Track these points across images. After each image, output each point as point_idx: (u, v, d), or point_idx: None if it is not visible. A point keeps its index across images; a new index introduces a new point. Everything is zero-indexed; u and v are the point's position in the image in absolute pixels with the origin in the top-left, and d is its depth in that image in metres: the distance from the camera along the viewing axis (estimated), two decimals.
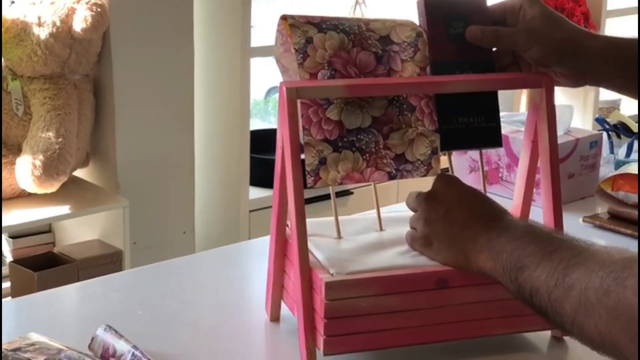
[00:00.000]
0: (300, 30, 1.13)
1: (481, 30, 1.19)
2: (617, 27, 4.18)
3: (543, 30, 1.17)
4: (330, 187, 1.15)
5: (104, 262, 2.53)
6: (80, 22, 2.43)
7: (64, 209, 2.48)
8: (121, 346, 1.07)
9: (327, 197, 2.56)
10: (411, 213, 1.18)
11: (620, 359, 0.81)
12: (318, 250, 1.12)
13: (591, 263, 0.86)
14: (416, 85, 1.16)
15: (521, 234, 1.01)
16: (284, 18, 1.14)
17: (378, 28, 1.17)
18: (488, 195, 1.16)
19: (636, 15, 4.26)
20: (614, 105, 3.95)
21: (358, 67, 1.15)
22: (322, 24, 1.15)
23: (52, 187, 2.43)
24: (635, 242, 1.53)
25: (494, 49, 1.22)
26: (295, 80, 1.13)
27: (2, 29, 2.47)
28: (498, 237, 1.03)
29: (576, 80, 1.22)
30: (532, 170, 1.25)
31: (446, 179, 1.15)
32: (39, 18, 2.47)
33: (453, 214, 1.10)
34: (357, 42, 1.15)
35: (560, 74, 1.22)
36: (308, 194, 1.09)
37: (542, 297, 0.92)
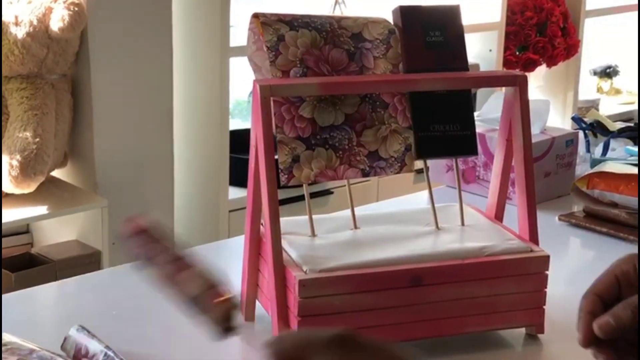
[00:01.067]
0: (272, 28, 1.13)
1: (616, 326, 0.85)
2: (595, 27, 4.20)
3: None
4: (304, 184, 1.15)
5: (83, 262, 2.52)
6: (57, 22, 2.42)
7: (42, 210, 2.46)
8: (94, 346, 1.07)
9: (303, 197, 2.56)
10: (388, 211, 1.17)
11: None
12: (292, 248, 1.12)
13: None
14: (390, 83, 1.16)
15: None
16: (255, 16, 1.14)
17: (350, 25, 1.17)
18: (463, 194, 1.15)
19: (615, 15, 4.28)
20: (593, 105, 3.96)
21: (330, 65, 1.15)
22: (293, 22, 1.14)
23: (29, 188, 2.42)
24: (610, 241, 1.54)
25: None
26: (268, 78, 1.13)
27: None
28: None
29: None
30: (506, 168, 1.25)
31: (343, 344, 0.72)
32: (16, 17, 2.45)
33: None
34: (329, 39, 1.15)
35: None
36: (284, 194, 1.09)
37: None
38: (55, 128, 2.52)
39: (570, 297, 1.30)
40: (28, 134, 2.42)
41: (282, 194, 1.09)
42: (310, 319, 1.06)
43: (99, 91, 2.61)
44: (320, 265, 1.08)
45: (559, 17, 3.68)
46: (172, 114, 2.81)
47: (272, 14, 1.14)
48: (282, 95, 1.11)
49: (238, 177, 2.99)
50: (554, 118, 2.78)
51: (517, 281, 1.15)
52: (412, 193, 1.92)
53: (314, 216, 1.19)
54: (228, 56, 2.86)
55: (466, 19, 1.27)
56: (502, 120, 1.23)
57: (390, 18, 1.23)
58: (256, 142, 1.10)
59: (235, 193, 3.00)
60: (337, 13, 3.43)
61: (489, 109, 1.72)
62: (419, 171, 3.34)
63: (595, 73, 4.42)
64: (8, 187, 2.38)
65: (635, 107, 4.27)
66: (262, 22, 1.13)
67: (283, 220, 1.09)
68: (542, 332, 1.19)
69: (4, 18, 2.47)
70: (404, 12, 1.21)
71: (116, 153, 2.70)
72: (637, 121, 2.07)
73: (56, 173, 2.67)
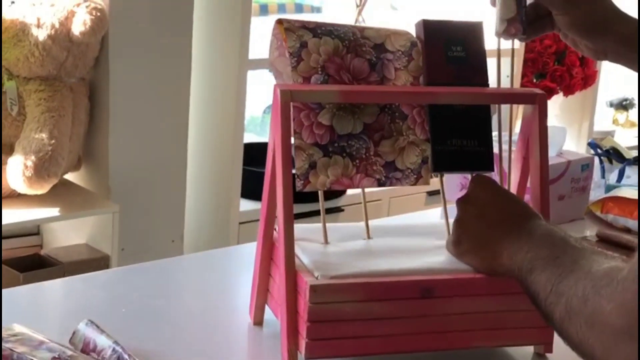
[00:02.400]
0: (295, 35, 1.13)
1: None
2: None
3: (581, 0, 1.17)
4: (319, 191, 1.15)
5: (91, 266, 2.52)
6: (79, 26, 2.43)
7: (53, 212, 2.47)
8: (102, 341, 1.07)
9: (316, 213, 2.56)
10: (402, 224, 1.18)
11: None
12: (304, 254, 1.12)
13: (581, 272, 0.86)
14: (409, 95, 1.17)
15: (539, 237, 1.01)
16: (279, 22, 1.15)
17: (373, 36, 1.18)
18: None
19: None
20: (609, 135, 3.96)
21: (351, 73, 1.15)
22: (317, 29, 1.15)
23: (42, 189, 2.43)
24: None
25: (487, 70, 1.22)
26: (289, 83, 1.14)
27: (2, 29, 2.47)
28: (519, 238, 1.03)
29: (597, 55, 1.22)
30: (522, 186, 1.25)
31: (480, 181, 1.15)
32: (38, 19, 2.47)
33: (484, 215, 1.10)
34: (351, 48, 1.16)
35: (584, 44, 1.22)
36: (297, 209, 1.09)
37: (541, 302, 0.93)
38: (71, 131, 2.53)
39: None
40: (44, 135, 2.44)
41: (294, 208, 1.09)
42: (319, 325, 1.06)
43: (116, 97, 2.63)
44: (332, 271, 1.08)
45: None
46: (188, 123, 2.82)
47: (296, 21, 1.14)
48: (302, 101, 1.12)
49: (250, 189, 3.00)
50: (569, 146, 2.78)
51: (528, 298, 1.15)
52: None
53: (327, 224, 1.19)
54: (246, 67, 2.88)
55: (486, 44, 1.28)
56: (520, 138, 1.23)
57: (412, 32, 1.24)
58: (274, 146, 1.10)
59: (246, 205, 3.01)
60: None
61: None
62: (431, 193, 3.37)
63: (611, 105, 4.43)
64: (21, 187, 2.39)
65: None
66: (285, 28, 1.13)
67: (296, 226, 1.09)
68: (551, 352, 1.19)
69: (26, 20, 2.49)
70: (427, 26, 1.22)
71: (130, 159, 2.71)
72: None
73: (69, 176, 2.68)
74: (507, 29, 1.20)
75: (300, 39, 1.13)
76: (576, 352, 0.85)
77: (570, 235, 1.00)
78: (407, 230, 1.26)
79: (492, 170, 1.26)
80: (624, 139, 4.22)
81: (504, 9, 1.20)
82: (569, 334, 0.85)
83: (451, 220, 1.19)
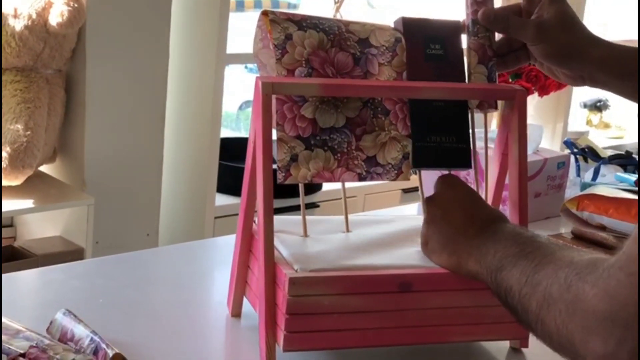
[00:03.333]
0: (280, 27, 1.13)
1: (494, 14, 1.21)
2: None
3: (552, 29, 1.19)
4: (299, 184, 1.15)
5: (65, 259, 2.51)
6: (56, 17, 2.42)
7: (28, 203, 2.46)
8: (80, 331, 1.06)
9: (293, 208, 2.56)
10: (380, 218, 1.18)
11: (575, 357, 0.80)
12: (283, 246, 1.12)
13: (561, 261, 0.86)
14: (391, 89, 1.17)
15: (506, 238, 1.01)
16: (264, 13, 1.15)
17: (358, 30, 1.18)
18: None
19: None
20: (583, 135, 3.99)
21: (335, 67, 1.15)
22: (302, 22, 1.15)
23: (17, 180, 2.42)
24: None
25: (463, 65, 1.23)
26: (272, 76, 1.14)
27: None
28: (486, 241, 1.03)
29: (575, 82, 1.25)
30: (500, 182, 1.26)
31: (446, 181, 1.16)
32: (15, 10, 2.46)
33: (449, 216, 1.11)
34: (336, 42, 1.16)
35: (561, 72, 1.24)
36: (275, 204, 1.09)
37: (514, 295, 0.92)
38: (46, 123, 2.52)
39: None
40: (19, 126, 2.42)
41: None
42: (298, 317, 1.06)
43: (92, 89, 2.62)
44: (311, 264, 1.09)
45: None
46: (164, 117, 2.81)
47: (281, 13, 1.14)
48: (284, 93, 1.12)
49: (225, 184, 2.99)
50: (543, 142, 2.79)
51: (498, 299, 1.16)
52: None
53: (307, 217, 1.19)
54: (224, 62, 2.87)
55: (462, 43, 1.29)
56: (499, 134, 1.24)
57: None
58: (255, 137, 1.10)
59: (222, 200, 3.00)
60: None
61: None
62: (406, 190, 3.37)
63: (585, 106, 4.46)
64: None
65: (623, 142, 4.31)
66: (270, 19, 1.13)
67: (276, 218, 1.09)
68: (527, 347, 1.20)
69: (3, 10, 2.47)
70: (406, 24, 1.22)
71: (106, 152, 2.70)
72: (626, 151, 2.08)
73: (44, 168, 2.67)
74: (480, 104, 1.23)
75: (285, 31, 1.13)
76: (550, 343, 0.84)
77: (539, 235, 1.00)
78: (386, 224, 1.26)
79: (470, 167, 1.27)
80: (597, 140, 4.25)
81: (475, 83, 1.22)
82: (545, 323, 0.84)
83: None
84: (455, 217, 1.11)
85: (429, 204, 1.14)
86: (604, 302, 0.75)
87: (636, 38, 3.74)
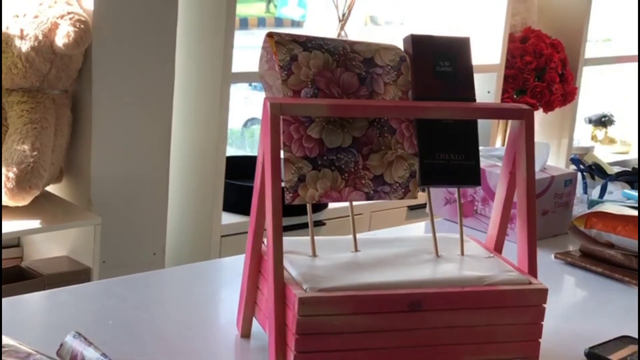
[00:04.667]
0: (285, 48, 1.14)
1: None
2: (593, 76, 4.24)
3: None
4: (307, 204, 1.15)
5: (72, 279, 2.51)
6: (62, 38, 2.43)
7: (35, 223, 2.45)
8: (90, 353, 1.06)
9: (302, 226, 2.56)
10: (389, 237, 1.18)
11: None
12: (292, 267, 1.12)
13: None
14: (398, 109, 1.17)
15: None
16: (270, 35, 1.15)
17: (362, 50, 1.18)
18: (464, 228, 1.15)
19: (612, 65, 4.33)
20: (588, 152, 3.99)
21: (341, 87, 1.16)
22: (307, 43, 1.16)
23: (24, 201, 2.42)
24: (604, 281, 1.55)
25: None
26: (279, 96, 1.14)
27: None
28: None
29: None
30: (508, 201, 1.26)
31: None
32: (22, 31, 2.46)
33: None
34: (341, 62, 1.16)
35: None
36: (283, 222, 1.09)
37: None
38: (53, 143, 2.52)
39: (563, 334, 1.31)
40: (26, 147, 2.42)
41: None
42: (308, 337, 1.06)
43: (99, 109, 2.62)
44: (321, 284, 1.09)
45: (557, 64, 3.72)
46: (170, 136, 2.81)
47: (286, 34, 1.15)
48: (292, 114, 1.12)
49: (231, 202, 2.99)
50: (549, 162, 2.79)
51: (514, 312, 1.16)
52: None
53: (315, 237, 1.19)
54: (229, 81, 2.87)
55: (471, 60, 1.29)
56: (506, 153, 1.24)
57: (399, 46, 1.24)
58: (263, 158, 1.10)
59: (228, 219, 3.00)
60: None
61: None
62: (412, 207, 3.37)
63: (590, 121, 4.46)
64: (2, 199, 2.38)
65: (629, 157, 4.31)
66: (276, 41, 1.14)
67: (284, 239, 1.10)
68: None
69: (9, 31, 2.48)
70: (415, 41, 1.23)
71: (112, 171, 2.70)
72: (633, 168, 2.08)
73: (51, 188, 2.67)
74: None
75: (291, 52, 1.14)
76: None
77: None
78: (394, 243, 1.27)
79: (479, 184, 1.27)
80: (603, 156, 4.25)
81: None
82: None
83: (437, 235, 1.20)
84: None
85: None
86: None
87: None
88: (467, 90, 1.23)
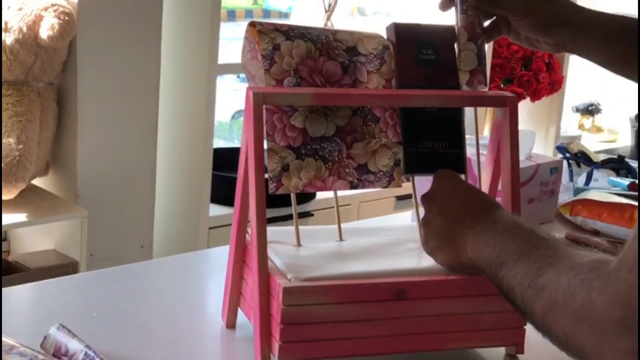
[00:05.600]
0: (267, 37, 1.13)
1: None
2: (579, 65, 4.24)
3: (537, 3, 1.23)
4: (291, 194, 1.15)
5: (59, 272, 2.51)
6: (46, 30, 2.42)
7: (21, 217, 2.45)
8: (74, 345, 1.06)
9: (286, 217, 2.56)
10: (374, 226, 1.18)
11: None
12: (277, 257, 1.12)
13: (562, 265, 0.85)
14: (382, 97, 1.17)
15: (504, 230, 1.00)
16: (252, 24, 1.14)
17: (345, 39, 1.18)
18: None
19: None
20: (575, 140, 4.00)
21: (324, 76, 1.15)
22: (289, 32, 1.15)
23: (10, 194, 2.41)
24: None
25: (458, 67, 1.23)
26: (262, 86, 1.14)
27: None
28: (483, 231, 1.03)
29: (557, 48, 1.27)
30: (493, 188, 1.26)
31: (440, 176, 1.16)
32: (6, 23, 2.46)
33: (445, 210, 1.10)
34: (324, 51, 1.16)
35: (544, 41, 1.26)
36: (268, 214, 1.09)
37: (517, 296, 0.91)
38: (38, 136, 2.52)
39: None
40: (11, 140, 2.42)
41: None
42: (293, 327, 1.06)
43: (84, 101, 2.61)
44: (305, 274, 1.08)
45: (544, 52, 3.72)
46: (157, 129, 2.81)
47: (268, 23, 1.14)
48: (275, 103, 1.12)
49: (219, 194, 2.99)
50: (536, 151, 2.80)
51: (500, 300, 1.15)
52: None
53: (299, 227, 1.19)
54: (216, 73, 2.87)
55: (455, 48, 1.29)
56: (491, 140, 1.24)
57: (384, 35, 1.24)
58: (247, 148, 1.10)
59: (216, 210, 3.00)
60: None
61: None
62: (400, 197, 3.37)
63: (577, 110, 4.47)
64: None
65: (616, 145, 4.32)
66: (258, 30, 1.13)
67: (269, 229, 1.09)
68: (522, 352, 1.20)
69: None
70: (398, 29, 1.22)
71: (99, 164, 2.69)
72: (619, 155, 2.09)
73: (37, 181, 2.66)
74: (470, 80, 1.22)
75: (273, 41, 1.13)
76: (560, 346, 0.83)
77: (535, 225, 0.99)
78: (379, 232, 1.26)
79: (464, 172, 1.27)
80: (590, 144, 4.26)
81: (465, 60, 1.22)
82: (552, 329, 0.83)
83: None
84: (452, 208, 1.10)
85: (426, 201, 1.14)
86: (616, 309, 0.74)
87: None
88: (450, 78, 1.23)
